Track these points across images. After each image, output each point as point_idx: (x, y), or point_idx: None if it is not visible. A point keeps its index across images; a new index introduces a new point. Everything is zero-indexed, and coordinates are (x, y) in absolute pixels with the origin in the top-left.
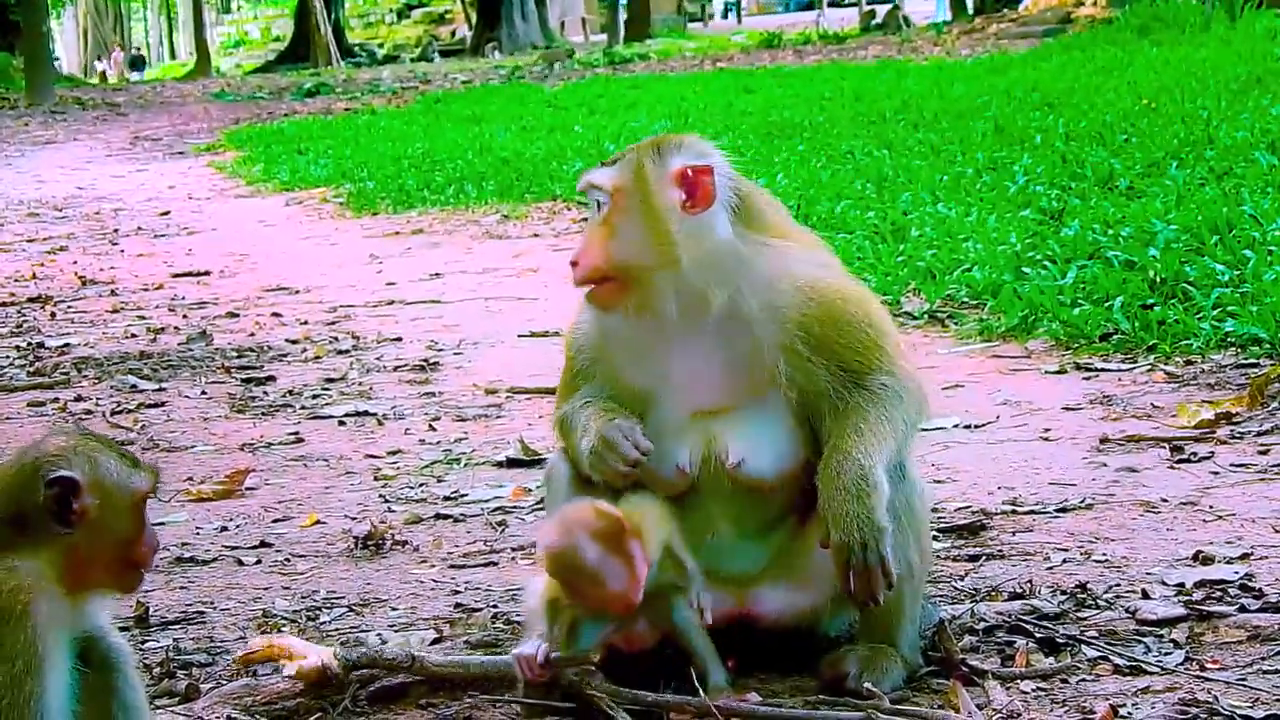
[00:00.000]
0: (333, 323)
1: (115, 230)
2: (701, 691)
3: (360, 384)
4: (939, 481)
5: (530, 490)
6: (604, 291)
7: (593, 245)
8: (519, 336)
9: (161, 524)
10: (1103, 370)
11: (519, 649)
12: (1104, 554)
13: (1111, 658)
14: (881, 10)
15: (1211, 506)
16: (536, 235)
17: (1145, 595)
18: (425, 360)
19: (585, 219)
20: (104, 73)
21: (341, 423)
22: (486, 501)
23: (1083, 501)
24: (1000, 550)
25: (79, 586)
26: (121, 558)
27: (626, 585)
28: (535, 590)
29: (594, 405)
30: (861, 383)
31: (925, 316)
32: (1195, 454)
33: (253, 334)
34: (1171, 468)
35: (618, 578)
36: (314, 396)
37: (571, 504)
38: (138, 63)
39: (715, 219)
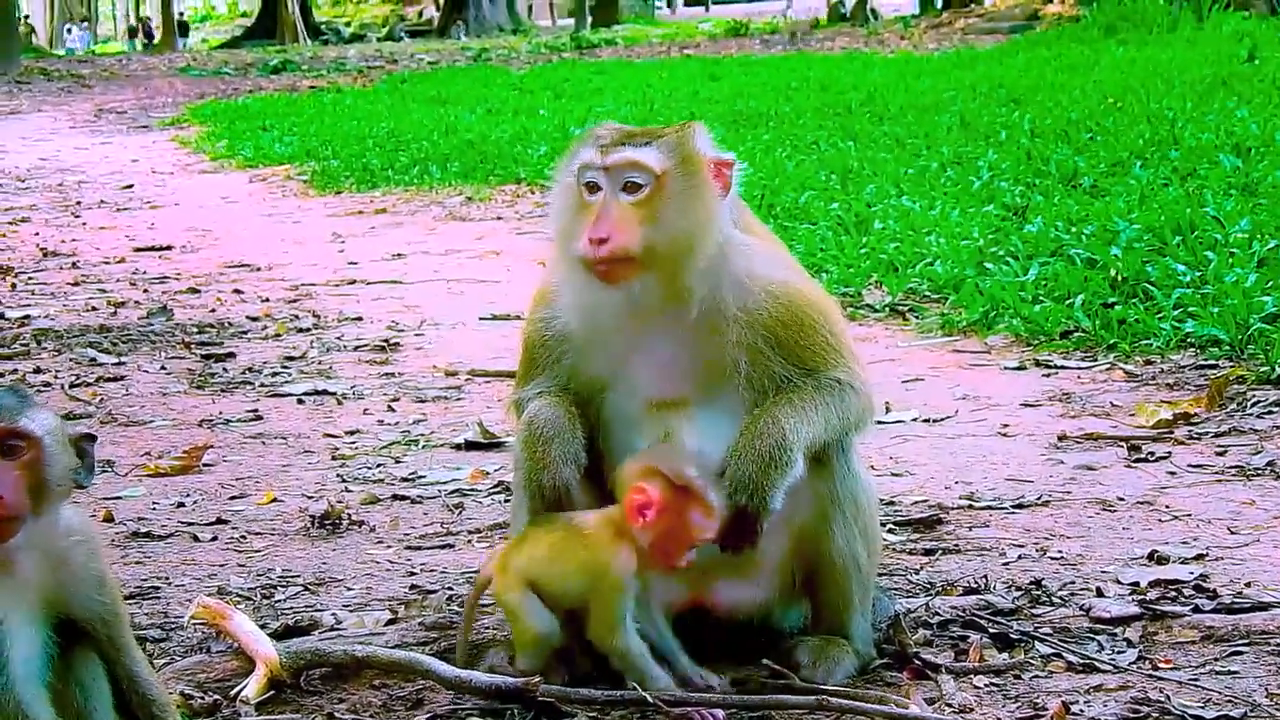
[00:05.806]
0: (294, 301)
1: (78, 202)
2: (641, 690)
3: (320, 363)
4: (896, 475)
5: (488, 473)
6: (618, 270)
7: (627, 224)
8: (480, 319)
9: (118, 498)
10: (1062, 368)
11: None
12: (1059, 551)
13: (1065, 655)
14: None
15: (1168, 506)
16: (499, 218)
17: (1100, 593)
18: (385, 340)
19: (557, 201)
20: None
21: (300, 401)
22: (444, 483)
23: (1039, 498)
24: (956, 545)
25: None
26: None
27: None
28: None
29: (548, 397)
30: (813, 375)
31: (886, 309)
32: (1153, 453)
33: (213, 310)
34: (1129, 467)
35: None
36: (273, 374)
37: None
38: (181, 29)
39: (725, 214)
